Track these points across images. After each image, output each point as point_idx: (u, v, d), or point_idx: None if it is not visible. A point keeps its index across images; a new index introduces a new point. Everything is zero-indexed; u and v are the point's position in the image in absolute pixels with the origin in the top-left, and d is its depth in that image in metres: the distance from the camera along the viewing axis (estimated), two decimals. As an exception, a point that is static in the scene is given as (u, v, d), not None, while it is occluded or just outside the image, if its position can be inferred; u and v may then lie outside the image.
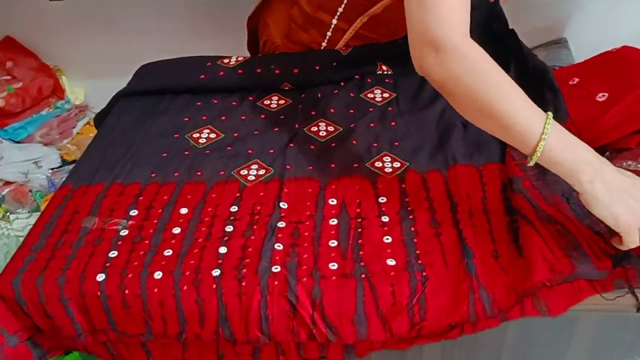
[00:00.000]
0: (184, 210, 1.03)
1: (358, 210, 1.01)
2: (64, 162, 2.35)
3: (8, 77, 2.34)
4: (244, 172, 1.11)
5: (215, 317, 0.89)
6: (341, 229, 0.99)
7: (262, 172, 1.10)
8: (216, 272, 0.92)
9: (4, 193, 2.16)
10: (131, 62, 1.58)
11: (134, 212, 1.04)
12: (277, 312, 0.88)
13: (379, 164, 1.11)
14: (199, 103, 1.33)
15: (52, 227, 1.03)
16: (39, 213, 1.86)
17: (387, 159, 1.12)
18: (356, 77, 1.36)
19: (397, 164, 1.11)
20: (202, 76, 1.37)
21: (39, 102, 2.38)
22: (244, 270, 0.91)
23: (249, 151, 1.17)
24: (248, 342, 0.91)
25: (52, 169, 2.30)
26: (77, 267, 0.93)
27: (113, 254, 0.96)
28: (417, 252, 0.93)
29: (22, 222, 1.74)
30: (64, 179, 2.29)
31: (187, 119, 1.28)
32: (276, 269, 0.91)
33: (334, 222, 1.00)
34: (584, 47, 1.56)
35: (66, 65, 2.48)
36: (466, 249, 0.91)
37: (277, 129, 1.23)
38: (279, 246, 0.95)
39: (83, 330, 0.92)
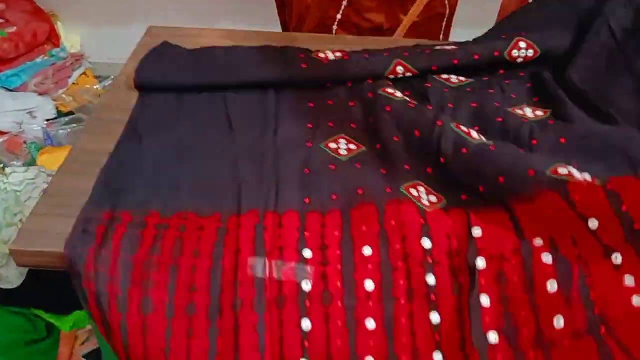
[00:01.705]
0: (367, 251, 0.77)
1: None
2: (60, 114, 2.27)
3: (1, 21, 2.23)
4: (413, 191, 0.83)
5: None
6: (559, 269, 0.72)
7: (433, 199, 0.83)
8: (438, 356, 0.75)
9: (-3, 143, 2.08)
10: (130, 9, 1.48)
11: (307, 253, 0.80)
12: None
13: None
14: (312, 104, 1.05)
15: (218, 275, 0.75)
16: (36, 167, 1.78)
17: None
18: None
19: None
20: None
21: (33, 48, 2.28)
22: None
23: (406, 167, 0.88)
24: None
25: (47, 120, 2.21)
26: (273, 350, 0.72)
27: (306, 325, 0.74)
28: None
29: (19, 177, 1.66)
30: (61, 131, 2.28)
31: (311, 126, 0.98)
32: (494, 338, 0.71)
33: (548, 259, 0.74)
34: None
35: (61, 11, 2.37)
36: None
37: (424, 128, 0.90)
38: (485, 301, 0.73)
39: None
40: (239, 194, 0.82)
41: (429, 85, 1.06)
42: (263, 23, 1.58)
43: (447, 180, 0.86)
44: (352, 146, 0.93)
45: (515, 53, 1.10)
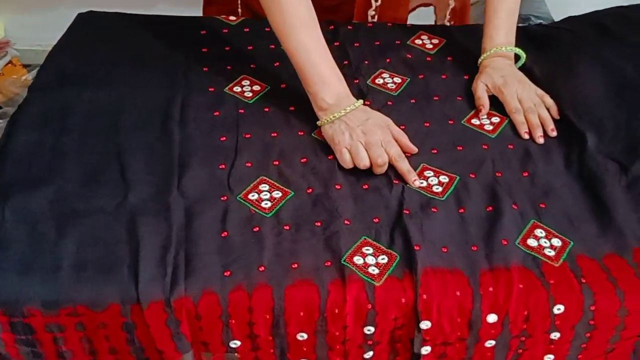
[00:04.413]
0: (302, 337, 0.67)
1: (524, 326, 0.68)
2: (-16, 108, 2.05)
3: None
4: (357, 260, 0.68)
5: None
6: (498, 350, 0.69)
7: (383, 259, 0.69)
8: None
9: None
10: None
11: (235, 344, 0.68)
12: None
13: (533, 243, 0.72)
14: None
15: None
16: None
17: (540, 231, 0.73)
18: None
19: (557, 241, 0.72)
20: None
21: (-51, 37, 2.04)
22: None
23: (346, 222, 0.73)
24: None
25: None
26: None
27: None
28: None
29: None
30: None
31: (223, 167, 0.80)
32: None
33: (490, 343, 0.69)
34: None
35: (-18, -8, 2.12)
36: None
37: None
38: None
39: None
40: (136, 273, 0.65)
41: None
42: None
43: (401, 232, 0.71)
44: (277, 193, 0.76)
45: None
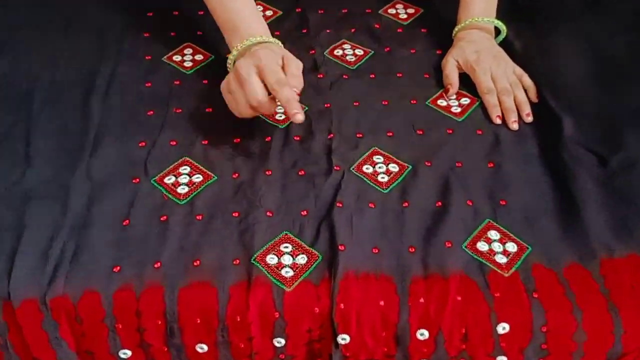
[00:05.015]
0: (202, 348, 0.57)
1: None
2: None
3: None
4: (271, 259, 0.58)
5: None
6: None
7: (302, 259, 0.59)
8: None
9: None
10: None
11: (125, 354, 0.58)
12: None
13: (483, 247, 0.61)
14: None
15: None
16: None
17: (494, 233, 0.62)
18: None
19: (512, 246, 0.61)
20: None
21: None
22: None
23: (268, 213, 0.63)
24: None
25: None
26: None
27: None
28: None
29: None
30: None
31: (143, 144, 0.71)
32: None
33: None
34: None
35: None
36: None
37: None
38: None
39: None
40: (12, 266, 0.57)
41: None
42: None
43: (327, 228, 0.61)
44: (198, 177, 0.67)
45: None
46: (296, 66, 0.68)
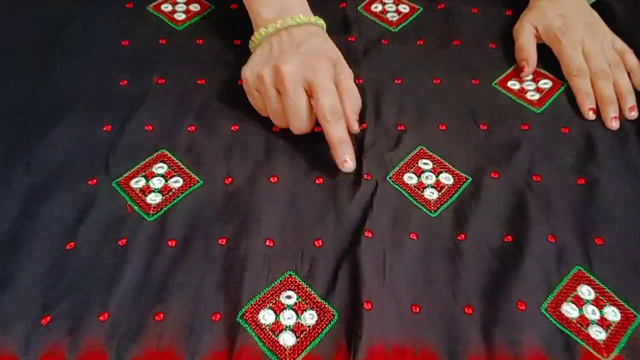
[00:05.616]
0: None
1: None
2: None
3: None
4: (264, 317, 0.41)
5: None
6: None
7: (310, 319, 0.41)
8: None
9: None
10: None
11: None
12: None
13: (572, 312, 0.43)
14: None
15: None
16: None
17: None
18: None
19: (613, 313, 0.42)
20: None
21: None
22: None
23: (268, 242, 0.45)
24: None
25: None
26: None
27: None
28: None
29: None
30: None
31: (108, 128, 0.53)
32: None
33: None
34: None
35: None
36: None
37: None
38: None
39: None
40: None
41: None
42: None
43: (349, 270, 0.43)
44: (177, 182, 0.49)
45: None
46: (350, 74, 0.52)
